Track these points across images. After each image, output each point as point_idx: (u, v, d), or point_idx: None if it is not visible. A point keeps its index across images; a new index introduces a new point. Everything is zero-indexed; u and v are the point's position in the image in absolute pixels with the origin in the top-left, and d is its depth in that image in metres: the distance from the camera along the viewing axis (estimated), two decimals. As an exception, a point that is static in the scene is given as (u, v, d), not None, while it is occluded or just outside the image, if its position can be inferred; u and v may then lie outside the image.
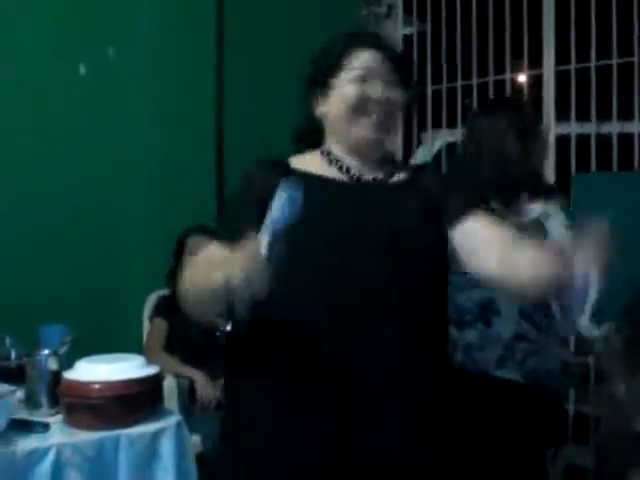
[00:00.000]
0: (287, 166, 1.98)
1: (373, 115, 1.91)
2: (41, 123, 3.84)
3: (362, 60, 1.93)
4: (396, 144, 4.73)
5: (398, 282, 1.86)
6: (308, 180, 1.87)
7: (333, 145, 1.98)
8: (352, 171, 1.96)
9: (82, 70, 3.98)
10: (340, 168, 1.96)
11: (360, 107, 1.91)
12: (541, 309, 2.75)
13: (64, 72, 3.93)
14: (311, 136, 2.04)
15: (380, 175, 1.97)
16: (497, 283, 1.87)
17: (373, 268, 1.85)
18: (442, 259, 1.94)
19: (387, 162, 2.01)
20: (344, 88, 1.92)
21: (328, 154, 1.98)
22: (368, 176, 1.96)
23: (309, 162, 2.00)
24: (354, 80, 1.92)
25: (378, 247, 1.85)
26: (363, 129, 1.92)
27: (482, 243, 1.87)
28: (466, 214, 1.90)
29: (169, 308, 3.84)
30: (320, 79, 1.97)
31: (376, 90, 1.91)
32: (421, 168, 2.09)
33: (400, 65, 1.98)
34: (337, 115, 1.94)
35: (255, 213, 1.74)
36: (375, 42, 1.97)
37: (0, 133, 3.78)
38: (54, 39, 3.88)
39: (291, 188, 1.63)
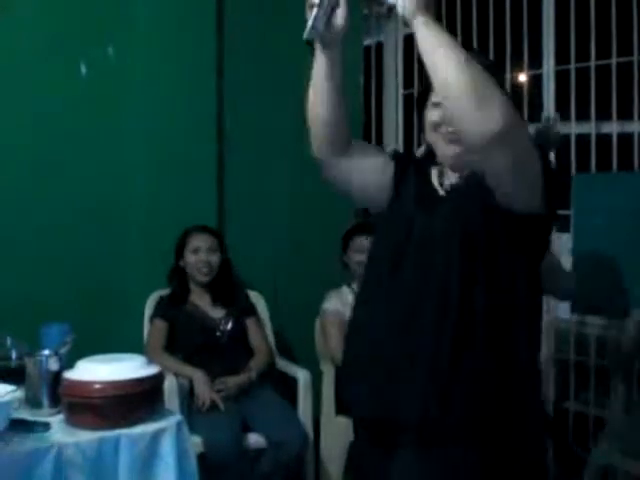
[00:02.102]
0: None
1: (447, 135, 2.05)
2: (40, 123, 3.84)
3: None
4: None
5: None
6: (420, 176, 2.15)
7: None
8: (445, 185, 2.12)
9: (82, 69, 3.98)
10: (441, 183, 2.13)
11: (438, 129, 2.06)
12: None
13: (64, 71, 3.93)
14: None
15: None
16: None
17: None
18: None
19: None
20: (428, 112, 2.10)
21: (440, 169, 2.16)
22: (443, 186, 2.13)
23: (437, 168, 2.18)
24: (434, 104, 2.07)
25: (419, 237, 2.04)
26: (443, 148, 2.07)
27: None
28: None
29: (170, 308, 3.84)
30: (418, 103, 2.16)
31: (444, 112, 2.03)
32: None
33: None
34: (427, 136, 2.12)
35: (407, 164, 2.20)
36: None
37: (1, 134, 3.78)
38: (54, 38, 3.87)
39: None
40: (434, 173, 2.16)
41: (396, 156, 2.21)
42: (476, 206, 1.98)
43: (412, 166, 2.18)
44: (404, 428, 1.98)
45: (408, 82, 4.84)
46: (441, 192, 2.12)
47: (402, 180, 2.15)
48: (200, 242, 3.88)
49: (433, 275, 1.97)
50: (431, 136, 2.10)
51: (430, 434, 1.95)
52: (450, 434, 1.94)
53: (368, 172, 2.13)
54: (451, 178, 2.12)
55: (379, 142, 4.92)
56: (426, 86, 2.07)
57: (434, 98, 2.05)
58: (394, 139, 4.92)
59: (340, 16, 1.96)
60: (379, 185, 2.14)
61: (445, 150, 2.07)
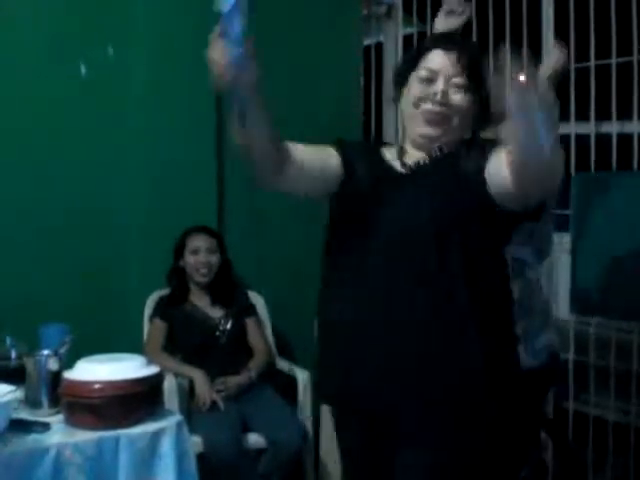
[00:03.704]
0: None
1: (427, 114, 2.04)
2: (39, 123, 3.84)
3: (432, 60, 2.06)
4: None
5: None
6: (375, 161, 2.14)
7: (405, 138, 2.16)
8: (408, 164, 2.10)
9: (82, 70, 3.98)
10: (401, 161, 2.12)
11: (419, 105, 2.05)
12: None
13: (63, 71, 3.93)
14: None
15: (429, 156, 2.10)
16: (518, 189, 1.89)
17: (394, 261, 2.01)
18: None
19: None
20: (410, 86, 2.07)
21: (396, 144, 2.20)
22: (413, 163, 2.11)
23: (390, 148, 2.20)
24: (421, 80, 2.05)
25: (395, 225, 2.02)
26: (419, 126, 2.06)
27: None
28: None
29: (169, 308, 3.84)
30: (399, 78, 2.14)
31: (436, 90, 2.03)
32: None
33: (474, 71, 2.06)
34: (404, 111, 2.11)
35: (355, 152, 2.19)
36: (453, 44, 2.08)
37: (1, 133, 3.78)
38: (53, 39, 3.88)
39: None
40: (390, 152, 2.17)
41: (339, 143, 2.17)
42: (456, 193, 2.00)
43: (359, 149, 2.20)
44: (408, 418, 2.02)
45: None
46: (400, 169, 2.11)
47: (352, 164, 2.13)
48: (200, 243, 3.88)
49: (418, 266, 1.98)
50: (409, 111, 2.09)
51: (433, 421, 2.00)
52: (453, 418, 2.00)
53: (315, 171, 2.11)
54: (412, 157, 2.12)
55: (379, 142, 4.92)
56: (411, 59, 2.10)
57: (422, 73, 2.05)
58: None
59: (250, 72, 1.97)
60: (328, 178, 2.12)
61: (421, 129, 2.06)
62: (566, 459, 4.00)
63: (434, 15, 4.56)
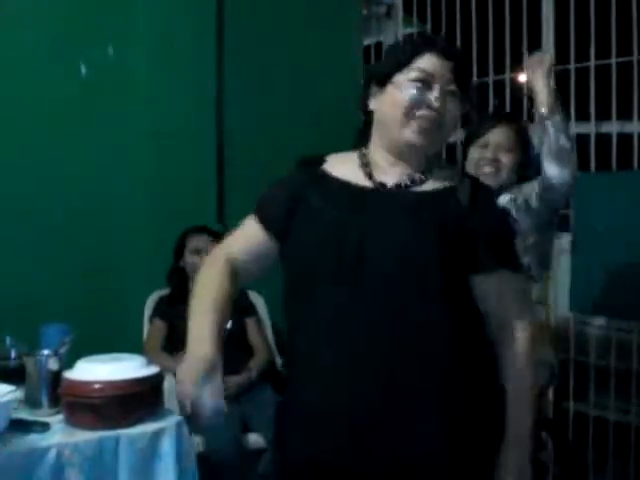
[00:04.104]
0: (320, 165, 2.00)
1: (422, 121, 1.86)
2: (40, 123, 3.84)
3: (427, 63, 1.88)
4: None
5: (396, 310, 1.83)
6: (327, 184, 1.95)
7: (375, 144, 1.95)
8: (377, 177, 1.91)
9: (82, 70, 3.98)
10: (368, 174, 1.93)
11: (412, 110, 1.85)
12: None
13: (64, 71, 3.93)
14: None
15: (406, 182, 1.92)
16: None
17: (371, 291, 1.83)
18: (447, 278, 1.85)
19: (428, 170, 1.94)
20: (401, 87, 1.87)
21: (364, 155, 1.96)
22: (392, 182, 1.91)
23: (344, 161, 1.99)
24: (413, 81, 1.86)
25: (375, 263, 1.83)
26: (409, 133, 1.86)
27: (492, 305, 1.89)
28: (493, 269, 1.87)
29: (169, 308, 3.84)
30: (381, 74, 1.93)
31: (433, 96, 1.85)
32: (460, 181, 1.95)
33: (463, 77, 1.92)
34: (387, 114, 1.89)
35: (281, 209, 1.96)
36: (443, 48, 1.90)
37: (1, 133, 3.78)
38: (54, 39, 3.88)
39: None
40: (346, 166, 1.96)
41: (263, 217, 2.01)
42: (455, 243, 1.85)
43: (295, 191, 1.96)
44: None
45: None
46: (369, 184, 1.92)
47: (288, 222, 1.95)
48: (200, 243, 3.88)
49: (410, 297, 1.83)
50: (394, 115, 1.88)
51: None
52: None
53: (262, 262, 2.09)
54: (385, 172, 1.92)
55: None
56: (398, 58, 1.90)
57: (416, 75, 1.86)
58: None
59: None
60: (273, 254, 2.03)
61: (410, 136, 1.86)
62: (566, 459, 4.00)
63: (434, 15, 4.59)
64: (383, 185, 1.91)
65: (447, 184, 1.92)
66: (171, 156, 4.12)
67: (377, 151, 1.95)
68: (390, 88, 1.89)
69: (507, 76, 4.22)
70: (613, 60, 3.81)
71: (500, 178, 2.89)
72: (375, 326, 1.82)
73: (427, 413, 1.82)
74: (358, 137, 2.02)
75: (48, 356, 2.66)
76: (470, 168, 2.91)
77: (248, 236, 2.04)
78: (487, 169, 2.88)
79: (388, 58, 1.95)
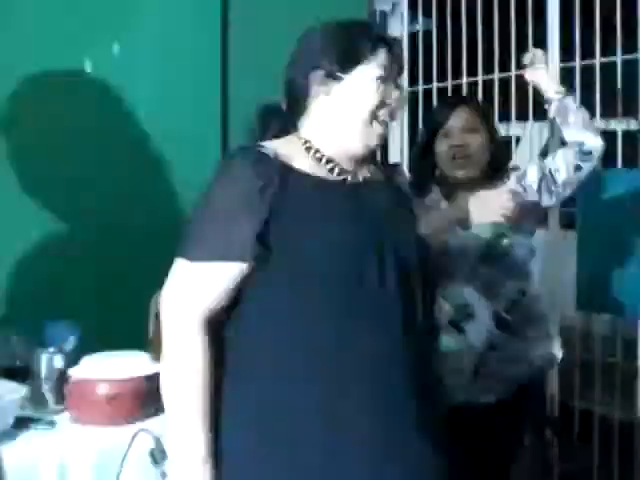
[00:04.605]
0: (276, 159, 1.77)
1: (383, 123, 1.84)
2: (44, 121, 3.84)
3: (384, 59, 1.84)
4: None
5: (406, 297, 1.81)
6: (301, 181, 1.77)
7: (319, 135, 1.84)
8: (338, 171, 1.84)
9: (87, 67, 3.98)
10: (331, 170, 1.83)
11: (376, 112, 1.82)
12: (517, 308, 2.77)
13: (69, 69, 3.93)
14: (279, 117, 1.95)
15: (365, 174, 1.90)
16: None
17: (388, 281, 1.77)
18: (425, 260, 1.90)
19: (365, 160, 1.91)
20: (366, 85, 1.81)
21: (316, 151, 1.83)
22: (349, 175, 1.86)
23: (290, 153, 1.82)
24: (376, 79, 1.81)
25: (388, 256, 1.79)
26: (372, 135, 1.83)
27: None
28: None
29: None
30: (336, 64, 1.83)
31: (392, 95, 1.84)
32: (392, 166, 2.07)
33: (403, 68, 1.91)
34: (349, 110, 1.82)
35: (248, 219, 1.70)
36: (391, 42, 1.88)
37: (4, 128, 3.78)
38: (58, 36, 3.87)
39: None
40: (303, 159, 1.82)
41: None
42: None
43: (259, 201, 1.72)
44: None
45: (413, 79, 4.84)
46: (334, 177, 1.83)
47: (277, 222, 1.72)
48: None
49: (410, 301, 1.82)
50: (360, 122, 1.81)
51: None
52: None
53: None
54: (344, 164, 1.85)
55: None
56: (362, 52, 1.82)
57: (377, 72, 1.81)
58: (399, 137, 4.91)
59: None
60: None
61: (372, 139, 1.83)
62: (572, 457, 4.01)
63: (439, 12, 4.59)
64: (344, 180, 1.85)
65: (376, 172, 1.95)
66: (177, 155, 4.12)
67: (324, 142, 1.84)
68: (350, 82, 1.82)
69: (513, 73, 4.21)
70: (618, 58, 3.81)
71: (472, 162, 2.85)
72: (400, 325, 1.78)
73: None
74: (285, 122, 1.93)
75: (54, 354, 2.66)
76: (442, 161, 2.88)
77: (219, 285, 1.75)
78: (458, 157, 2.84)
79: (347, 47, 1.86)
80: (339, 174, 1.84)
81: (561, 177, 2.82)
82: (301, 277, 1.71)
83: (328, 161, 1.83)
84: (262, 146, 1.81)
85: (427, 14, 4.71)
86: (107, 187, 3.97)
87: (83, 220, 3.88)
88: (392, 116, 1.87)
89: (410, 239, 1.88)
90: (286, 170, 1.76)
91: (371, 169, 1.94)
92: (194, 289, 1.75)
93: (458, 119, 2.86)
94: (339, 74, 1.82)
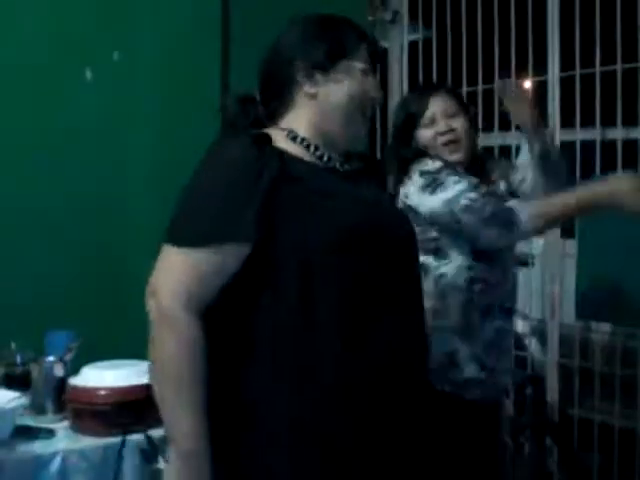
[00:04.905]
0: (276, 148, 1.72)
1: (368, 116, 1.86)
2: (44, 128, 3.84)
3: (366, 53, 1.85)
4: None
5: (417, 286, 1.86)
6: (298, 164, 1.73)
7: (302, 129, 1.81)
8: (326, 158, 1.81)
9: (87, 75, 3.99)
10: (320, 157, 1.80)
11: (366, 105, 1.84)
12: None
13: (69, 76, 3.93)
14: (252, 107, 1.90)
15: (346, 164, 1.88)
16: None
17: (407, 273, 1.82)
18: None
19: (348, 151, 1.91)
20: (351, 77, 1.81)
21: (303, 139, 1.79)
22: (337, 163, 1.84)
23: (279, 141, 1.77)
24: (361, 72, 1.83)
25: (409, 237, 1.85)
26: (360, 126, 1.85)
27: None
28: None
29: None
30: (323, 56, 1.81)
31: (376, 88, 1.86)
32: (366, 158, 2.03)
33: (380, 64, 1.98)
34: (339, 103, 1.81)
35: (248, 201, 1.61)
36: (370, 37, 1.92)
37: (6, 135, 3.78)
38: (59, 43, 3.88)
39: None
40: (291, 147, 1.77)
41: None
42: None
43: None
44: None
45: (413, 88, 4.84)
46: (323, 164, 1.81)
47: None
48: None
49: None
50: (349, 107, 1.81)
51: None
52: None
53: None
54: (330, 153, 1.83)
55: (384, 149, 4.92)
56: (348, 46, 1.82)
57: (363, 65, 1.82)
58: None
59: None
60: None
61: (359, 130, 1.86)
62: (571, 465, 4.00)
63: (439, 21, 4.59)
64: (334, 167, 1.84)
65: (357, 163, 1.94)
66: (176, 161, 4.11)
67: (310, 133, 1.81)
68: (336, 75, 1.81)
69: (512, 82, 4.20)
70: (619, 66, 3.81)
71: (462, 146, 2.80)
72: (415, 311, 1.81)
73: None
74: (257, 113, 1.88)
75: (53, 362, 2.67)
76: (430, 148, 2.79)
77: (212, 270, 1.64)
78: (448, 141, 2.76)
79: (328, 39, 1.83)
80: (328, 161, 1.81)
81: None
82: (312, 263, 1.64)
83: (316, 148, 1.80)
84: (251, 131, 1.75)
85: (427, 24, 4.71)
86: (103, 193, 3.98)
87: (83, 229, 3.89)
88: (374, 109, 1.89)
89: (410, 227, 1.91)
90: (281, 153, 1.70)
91: (353, 160, 1.93)
92: (189, 276, 1.62)
93: (439, 105, 2.81)
94: (326, 66, 1.80)
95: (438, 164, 2.71)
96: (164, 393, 1.62)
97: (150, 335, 1.66)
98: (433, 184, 2.61)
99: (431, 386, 1.92)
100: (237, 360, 1.67)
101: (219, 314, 1.65)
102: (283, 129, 1.81)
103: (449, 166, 2.71)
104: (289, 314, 1.64)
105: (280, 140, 1.76)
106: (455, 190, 2.57)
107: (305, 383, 1.63)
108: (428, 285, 2.60)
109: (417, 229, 2.41)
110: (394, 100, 4.96)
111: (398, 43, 4.92)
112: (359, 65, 1.82)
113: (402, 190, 2.72)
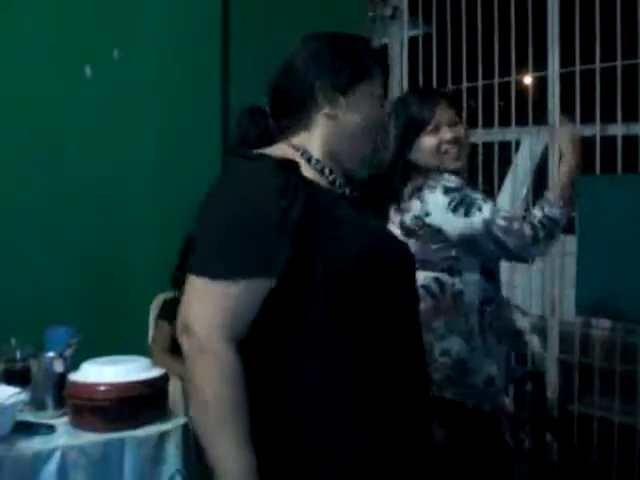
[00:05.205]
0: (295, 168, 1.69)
1: (379, 140, 1.93)
2: (45, 126, 3.85)
3: (381, 78, 1.85)
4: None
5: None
6: (320, 194, 1.71)
7: (314, 149, 1.79)
8: (339, 183, 1.81)
9: (87, 72, 3.99)
10: (332, 182, 1.79)
11: (375, 129, 1.85)
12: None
13: (69, 74, 3.94)
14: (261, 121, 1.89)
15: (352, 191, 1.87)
16: None
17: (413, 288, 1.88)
18: None
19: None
20: (370, 101, 1.81)
21: (317, 161, 1.78)
22: (346, 189, 1.84)
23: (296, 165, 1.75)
24: (378, 97, 1.83)
25: (410, 264, 1.88)
26: (369, 151, 1.87)
27: None
28: None
29: (174, 310, 3.83)
30: (345, 78, 1.79)
31: (386, 114, 1.95)
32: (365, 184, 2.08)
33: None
34: (352, 128, 1.80)
35: (278, 234, 1.59)
36: (385, 62, 1.94)
37: (6, 134, 3.79)
38: (59, 41, 3.88)
39: None
40: (310, 173, 1.76)
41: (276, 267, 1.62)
42: None
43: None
44: None
45: (413, 84, 4.83)
46: (335, 189, 1.81)
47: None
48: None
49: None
50: (364, 132, 1.82)
51: None
52: None
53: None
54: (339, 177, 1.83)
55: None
56: (368, 70, 1.81)
57: (380, 90, 1.84)
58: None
59: None
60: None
61: (368, 152, 1.88)
62: (571, 461, 4.00)
63: (439, 17, 4.59)
64: (344, 192, 1.83)
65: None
66: (176, 159, 4.12)
67: (322, 155, 1.80)
68: (356, 98, 1.80)
69: (513, 78, 4.21)
70: (619, 62, 3.80)
71: (463, 155, 2.81)
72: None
73: None
74: (267, 126, 1.86)
75: (53, 358, 2.67)
76: (425, 156, 2.76)
77: (245, 302, 1.61)
78: (451, 150, 2.76)
79: (350, 61, 1.80)
80: (340, 187, 1.81)
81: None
82: (338, 294, 1.66)
83: (330, 172, 1.79)
84: (262, 153, 1.74)
85: (427, 19, 4.70)
86: (102, 192, 3.99)
87: (83, 227, 3.89)
88: (383, 134, 1.90)
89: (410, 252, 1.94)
90: (307, 182, 1.69)
91: (355, 185, 1.93)
92: (225, 308, 1.59)
93: (444, 113, 2.81)
94: (347, 89, 1.78)
95: (458, 180, 2.71)
96: (211, 428, 1.58)
97: (188, 370, 1.64)
98: (461, 205, 2.60)
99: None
100: (273, 388, 1.66)
101: (251, 346, 1.63)
102: (296, 147, 1.78)
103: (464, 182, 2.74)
104: (318, 335, 1.66)
105: (296, 159, 1.74)
106: (488, 211, 2.59)
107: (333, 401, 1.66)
108: (445, 300, 2.64)
109: (433, 247, 2.42)
110: (393, 96, 4.96)
111: (398, 39, 4.91)
112: (377, 90, 1.83)
113: (418, 204, 2.70)
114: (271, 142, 1.80)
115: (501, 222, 2.56)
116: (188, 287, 1.66)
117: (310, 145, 1.79)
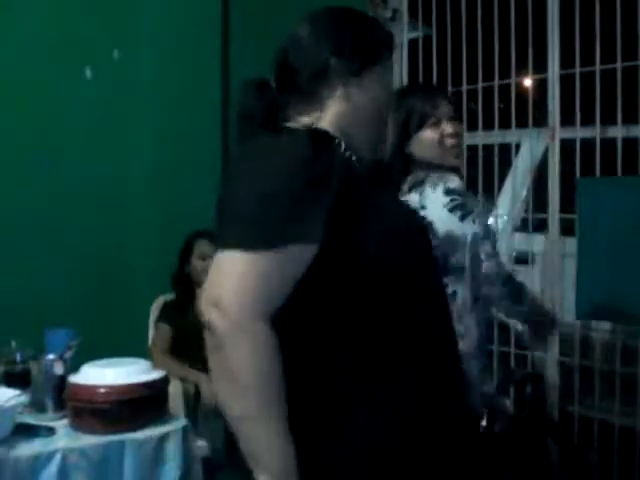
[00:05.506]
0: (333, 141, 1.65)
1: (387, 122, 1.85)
2: (45, 126, 3.84)
3: (389, 59, 1.83)
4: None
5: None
6: (352, 168, 1.66)
7: (326, 127, 1.70)
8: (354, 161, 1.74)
9: (87, 73, 3.99)
10: (358, 160, 1.71)
11: (386, 112, 1.82)
12: None
13: (69, 75, 3.94)
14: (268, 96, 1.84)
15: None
16: None
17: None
18: None
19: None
20: (382, 84, 1.77)
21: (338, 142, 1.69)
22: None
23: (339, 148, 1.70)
24: (389, 81, 1.83)
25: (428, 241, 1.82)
26: (381, 133, 1.85)
27: None
28: None
29: (174, 312, 3.84)
30: (362, 59, 1.74)
31: (393, 95, 1.91)
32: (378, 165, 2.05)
33: None
34: (366, 108, 1.75)
35: (316, 202, 1.51)
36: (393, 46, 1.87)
37: (6, 134, 3.79)
38: (59, 42, 3.88)
39: None
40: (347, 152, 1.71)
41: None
42: None
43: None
44: None
45: (412, 86, 4.83)
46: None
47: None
48: (207, 248, 3.82)
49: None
50: (379, 114, 1.79)
51: None
52: None
53: None
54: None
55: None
56: (383, 43, 1.80)
57: (390, 73, 1.84)
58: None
59: None
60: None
61: (385, 135, 1.90)
62: (571, 463, 4.00)
63: (439, 19, 4.59)
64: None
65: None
66: (176, 158, 4.12)
67: (337, 136, 1.70)
68: (369, 81, 1.75)
69: (513, 80, 4.21)
70: (619, 64, 3.80)
71: (462, 152, 2.83)
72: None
73: None
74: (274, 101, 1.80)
75: (53, 360, 2.67)
76: (426, 149, 2.71)
77: (289, 275, 1.51)
78: (453, 146, 2.71)
79: (367, 43, 1.76)
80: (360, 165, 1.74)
81: None
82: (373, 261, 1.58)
83: (345, 149, 1.69)
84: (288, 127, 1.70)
85: (427, 21, 4.70)
86: (102, 193, 3.98)
87: (83, 227, 3.89)
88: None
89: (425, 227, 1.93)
90: (339, 150, 1.64)
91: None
92: (258, 281, 1.46)
93: (445, 108, 2.79)
94: (361, 71, 1.73)
95: (460, 183, 2.70)
96: (244, 409, 1.47)
97: (213, 348, 1.57)
98: (459, 209, 2.58)
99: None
100: (311, 368, 1.58)
101: (286, 321, 1.52)
102: (306, 126, 1.71)
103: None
104: (358, 313, 1.58)
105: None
106: (482, 231, 2.60)
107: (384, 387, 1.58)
108: None
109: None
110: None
111: (398, 41, 4.90)
112: (386, 72, 1.80)
113: (416, 197, 2.68)
114: (277, 117, 1.76)
115: (488, 247, 2.58)
116: (217, 263, 1.53)
117: (320, 123, 1.72)
